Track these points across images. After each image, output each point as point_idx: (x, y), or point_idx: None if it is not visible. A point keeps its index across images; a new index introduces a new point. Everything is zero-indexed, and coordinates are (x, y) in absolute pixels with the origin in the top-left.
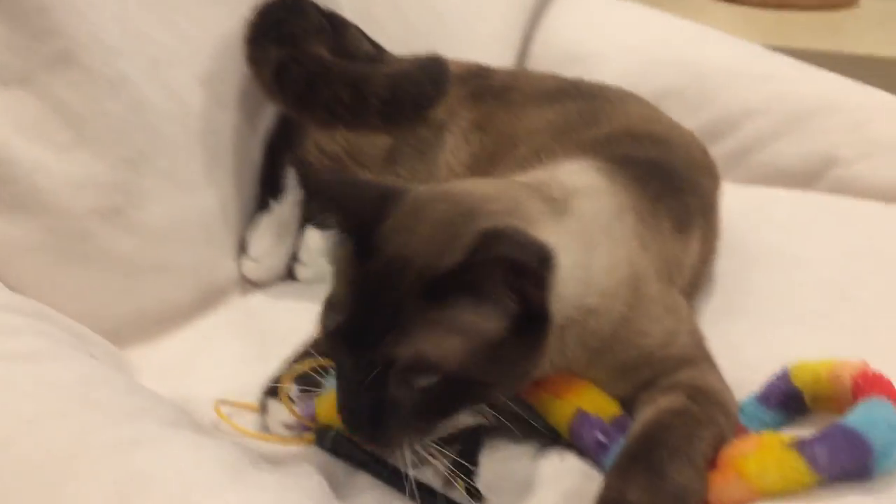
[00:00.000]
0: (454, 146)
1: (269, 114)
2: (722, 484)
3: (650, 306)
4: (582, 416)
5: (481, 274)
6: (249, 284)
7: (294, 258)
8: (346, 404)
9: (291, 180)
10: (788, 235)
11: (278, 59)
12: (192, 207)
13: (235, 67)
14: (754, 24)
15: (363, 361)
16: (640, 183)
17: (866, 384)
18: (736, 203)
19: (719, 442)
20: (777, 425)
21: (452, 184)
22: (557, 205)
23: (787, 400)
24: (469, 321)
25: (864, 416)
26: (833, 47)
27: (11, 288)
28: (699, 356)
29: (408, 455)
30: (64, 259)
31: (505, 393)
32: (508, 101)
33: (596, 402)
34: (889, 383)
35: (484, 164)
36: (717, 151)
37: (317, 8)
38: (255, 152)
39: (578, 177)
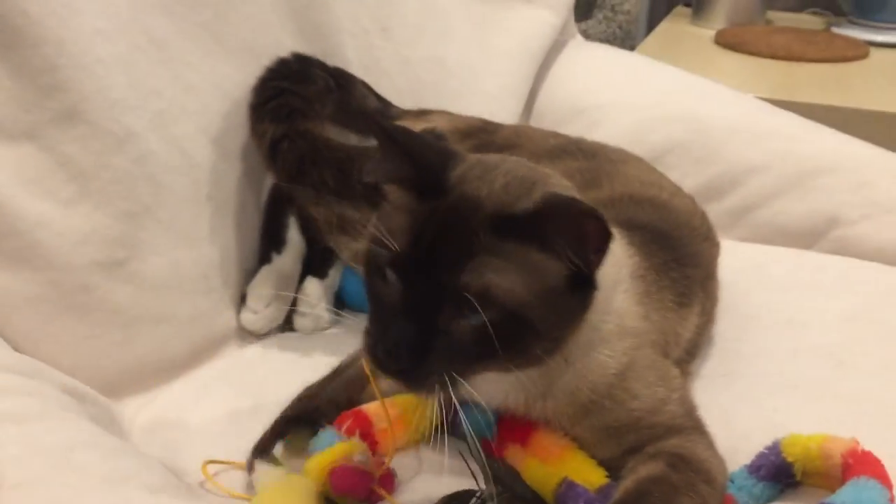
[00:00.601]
0: None
1: None
2: None
3: (644, 372)
4: (568, 485)
5: (553, 226)
6: (247, 335)
7: (292, 308)
8: (385, 338)
9: (293, 232)
10: (787, 296)
11: (273, 135)
12: (192, 259)
13: (241, 122)
14: (763, 75)
15: (423, 288)
16: (646, 250)
17: (856, 463)
18: (735, 261)
19: None
20: (767, 499)
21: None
22: None
23: (778, 473)
24: (536, 264)
25: (851, 497)
26: (841, 101)
27: (7, 340)
28: (688, 425)
29: (436, 405)
30: (63, 311)
31: (543, 350)
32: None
33: (582, 471)
34: (878, 463)
35: None
36: (719, 208)
37: (323, 67)
38: (257, 204)
39: None
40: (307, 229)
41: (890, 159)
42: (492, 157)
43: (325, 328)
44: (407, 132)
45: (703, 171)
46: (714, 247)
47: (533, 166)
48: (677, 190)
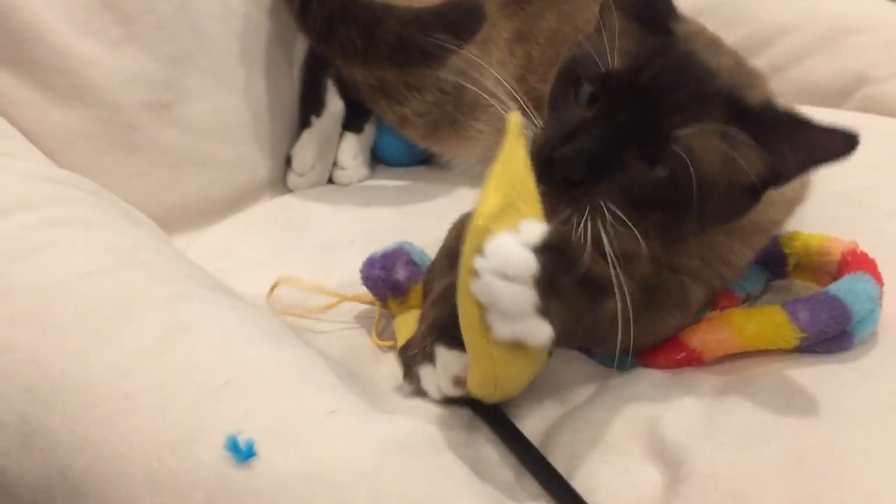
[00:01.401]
0: (500, 60)
1: None
2: (708, 328)
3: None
4: None
5: (785, 135)
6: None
7: (333, 163)
8: (566, 145)
9: (332, 95)
10: None
11: None
12: (233, 107)
13: None
14: None
15: (627, 117)
16: None
17: (854, 260)
18: None
19: None
20: (753, 282)
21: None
22: None
23: (770, 259)
24: (744, 156)
25: (847, 287)
26: None
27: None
28: None
29: (588, 227)
30: (113, 148)
31: (706, 224)
32: (552, 2)
33: None
34: (874, 264)
35: (536, 78)
36: None
37: None
38: (291, 59)
39: None
40: (346, 91)
41: None
42: (710, 32)
43: (361, 181)
44: None
45: (732, 33)
46: None
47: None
48: None
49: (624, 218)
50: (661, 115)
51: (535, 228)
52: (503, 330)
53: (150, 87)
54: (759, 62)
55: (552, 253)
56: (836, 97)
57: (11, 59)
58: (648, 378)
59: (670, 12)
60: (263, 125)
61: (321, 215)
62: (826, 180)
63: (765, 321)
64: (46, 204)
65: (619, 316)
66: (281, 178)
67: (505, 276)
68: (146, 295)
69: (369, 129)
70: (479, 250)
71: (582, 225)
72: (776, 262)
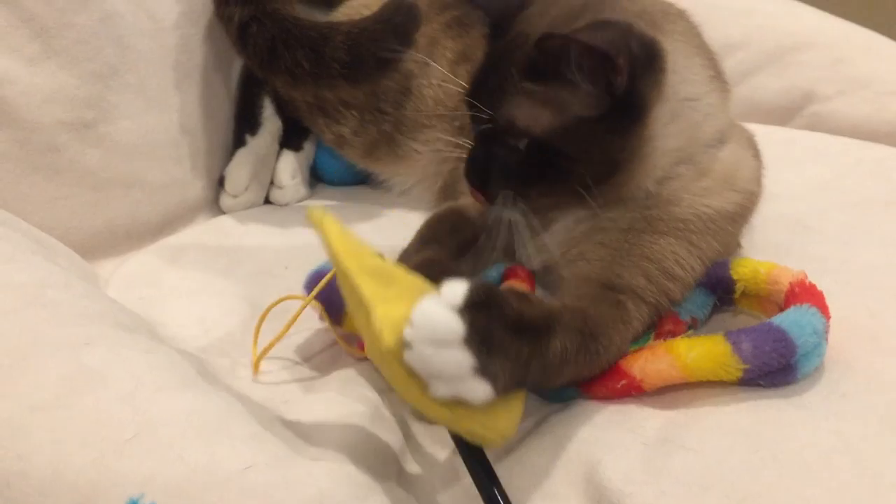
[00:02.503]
0: (442, 79)
1: None
2: (650, 356)
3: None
4: None
5: (565, 61)
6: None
7: (270, 182)
8: (468, 159)
9: (269, 113)
10: None
11: (241, 18)
12: (162, 125)
13: None
14: None
15: (480, 121)
16: None
17: (802, 292)
18: None
19: None
20: (699, 306)
21: None
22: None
23: (717, 285)
24: (557, 96)
25: (792, 318)
26: None
27: None
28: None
29: (507, 213)
30: (31, 171)
31: (591, 174)
32: None
33: None
34: (821, 296)
35: None
36: None
37: None
38: (227, 74)
39: None
40: (284, 109)
41: (865, 36)
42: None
43: (301, 200)
44: None
45: None
46: None
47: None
48: None
49: (533, 194)
50: (490, 108)
51: (458, 288)
52: (443, 391)
53: (72, 106)
54: None
55: (479, 308)
56: (783, 114)
57: None
58: (588, 414)
59: (521, 3)
60: (196, 144)
61: (256, 238)
62: (772, 202)
63: (707, 351)
64: None
65: (566, 349)
66: (215, 200)
67: (436, 343)
68: (49, 339)
69: (309, 148)
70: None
71: (504, 221)
72: (724, 288)
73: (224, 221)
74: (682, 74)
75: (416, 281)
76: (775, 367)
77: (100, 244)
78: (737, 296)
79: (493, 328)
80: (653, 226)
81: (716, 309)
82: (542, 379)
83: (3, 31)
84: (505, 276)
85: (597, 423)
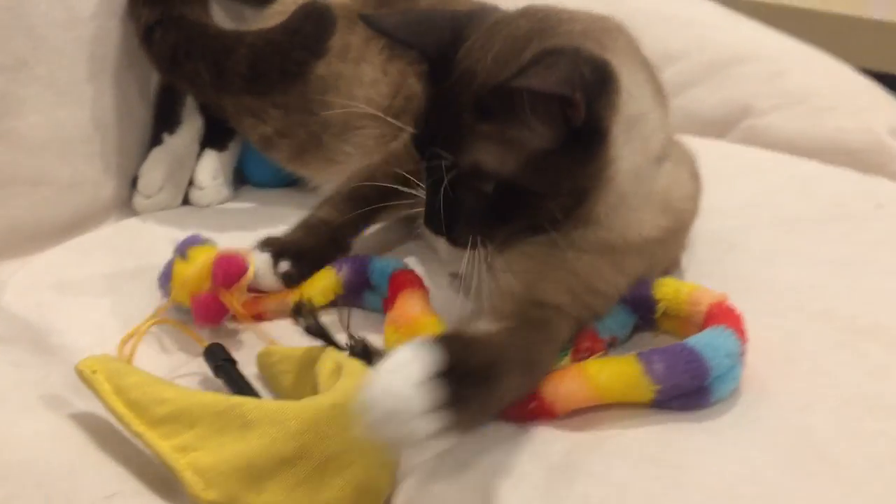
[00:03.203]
0: (372, 79)
1: None
2: (562, 377)
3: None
4: None
5: (530, 102)
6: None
7: (189, 182)
8: (426, 208)
9: (190, 110)
10: None
11: (147, 21)
12: (73, 121)
13: None
14: None
15: (435, 167)
16: None
17: (720, 313)
18: None
19: None
20: (620, 325)
21: (540, 2)
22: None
23: (639, 304)
24: (517, 135)
25: (707, 340)
26: None
27: None
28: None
29: (477, 256)
30: None
31: (559, 207)
32: None
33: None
34: (739, 319)
35: (408, 99)
36: None
37: None
38: (144, 69)
39: None
40: (207, 107)
41: (804, 51)
42: (511, 14)
43: (223, 202)
44: (413, 21)
45: None
46: None
47: (548, 13)
48: None
49: (503, 234)
50: (446, 152)
51: (414, 363)
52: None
53: None
54: None
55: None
56: (720, 127)
57: None
58: (494, 436)
59: (456, 34)
60: (110, 141)
61: (168, 241)
62: (702, 219)
63: (618, 371)
64: None
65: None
66: (128, 200)
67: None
68: None
69: (234, 147)
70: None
71: (473, 262)
72: (645, 308)
73: (136, 223)
74: (631, 92)
75: (225, 401)
76: (688, 390)
77: (3, 244)
78: (658, 315)
79: (457, 393)
80: (577, 244)
81: (637, 328)
82: (489, 416)
83: None
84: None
85: (501, 446)
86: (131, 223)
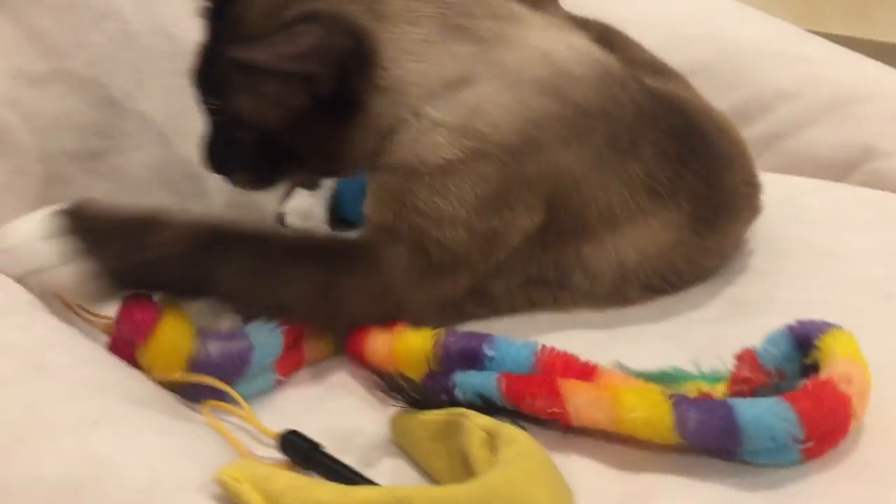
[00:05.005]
0: None
1: None
2: (589, 397)
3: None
4: None
5: (284, 50)
6: None
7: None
8: (204, 142)
9: None
10: (824, 229)
11: None
12: (173, 156)
13: None
14: (782, 5)
15: (209, 109)
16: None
17: (816, 391)
18: (766, 192)
19: None
20: (786, 359)
21: None
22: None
23: (801, 342)
24: (272, 91)
25: (757, 412)
26: (865, 34)
27: None
28: None
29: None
30: (34, 203)
31: (319, 167)
32: None
33: None
34: (840, 405)
35: None
36: (746, 135)
37: None
38: None
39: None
40: None
41: None
42: None
43: None
44: None
45: (729, 95)
46: (737, 169)
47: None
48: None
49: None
50: (210, 99)
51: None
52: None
53: (80, 134)
54: (757, 129)
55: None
56: (840, 170)
57: None
58: None
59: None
60: (215, 178)
61: None
62: (846, 265)
63: (649, 417)
64: None
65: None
66: None
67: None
68: (51, 419)
69: (327, 185)
70: None
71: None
72: (803, 349)
73: None
74: (395, 58)
75: (389, 493)
76: (717, 453)
77: None
78: (807, 362)
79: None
80: (381, 167)
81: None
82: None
83: (6, 49)
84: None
85: None
86: None
